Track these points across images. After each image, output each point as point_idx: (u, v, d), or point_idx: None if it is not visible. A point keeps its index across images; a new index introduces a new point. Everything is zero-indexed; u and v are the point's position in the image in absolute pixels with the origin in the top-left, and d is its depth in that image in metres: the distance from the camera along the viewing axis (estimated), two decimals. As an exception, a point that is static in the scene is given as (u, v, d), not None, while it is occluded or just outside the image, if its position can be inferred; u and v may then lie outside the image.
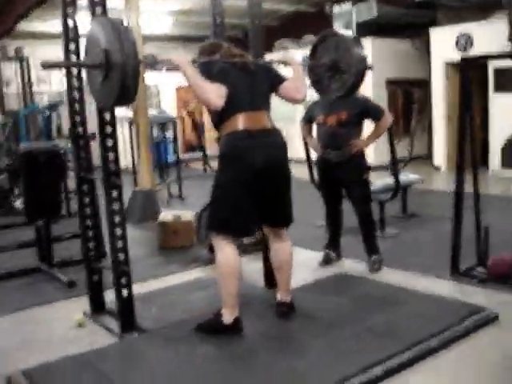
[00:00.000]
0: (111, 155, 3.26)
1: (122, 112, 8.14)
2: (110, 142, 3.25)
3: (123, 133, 8.25)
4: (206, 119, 12.71)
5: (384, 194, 5.81)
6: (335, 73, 3.70)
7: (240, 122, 3.10)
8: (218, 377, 2.78)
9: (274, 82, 3.30)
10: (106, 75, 2.78)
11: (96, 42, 2.83)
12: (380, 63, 10.69)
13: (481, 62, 3.98)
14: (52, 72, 13.72)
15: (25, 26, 10.86)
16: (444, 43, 9.64)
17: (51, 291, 4.44)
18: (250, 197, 3.14)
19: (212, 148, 11.26)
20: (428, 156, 11.09)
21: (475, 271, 4.18)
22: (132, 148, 8.32)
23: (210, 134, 11.98)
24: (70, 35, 3.47)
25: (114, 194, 3.29)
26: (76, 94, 3.54)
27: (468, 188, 4.30)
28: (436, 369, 2.86)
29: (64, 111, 13.11)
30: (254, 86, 3.19)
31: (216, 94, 3.00)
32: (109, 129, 3.24)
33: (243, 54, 3.33)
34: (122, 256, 3.35)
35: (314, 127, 4.73)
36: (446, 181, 9.51)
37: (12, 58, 9.82)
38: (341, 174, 4.45)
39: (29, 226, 5.53)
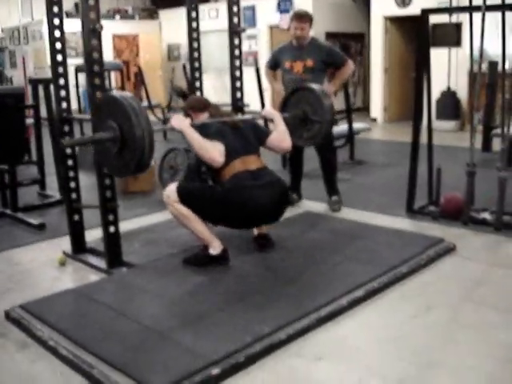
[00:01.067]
0: (99, 94, 3.31)
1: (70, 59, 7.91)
2: (97, 81, 3.30)
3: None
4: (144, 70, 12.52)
5: (337, 141, 6.10)
6: (306, 123, 3.97)
7: (238, 165, 3.37)
8: (217, 301, 2.97)
9: (261, 136, 3.61)
10: (120, 151, 2.90)
11: (109, 117, 2.93)
12: (319, 16, 10.84)
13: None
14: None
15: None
16: (384, -2, 9.94)
17: (22, 234, 4.47)
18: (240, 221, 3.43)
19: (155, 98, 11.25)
20: (364, 108, 11.51)
21: (428, 209, 4.54)
22: (78, 95, 8.20)
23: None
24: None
25: (103, 134, 3.36)
26: (57, 33, 3.53)
27: (407, 138, 4.64)
28: (407, 291, 3.18)
29: (6, 57, 12.64)
30: (244, 141, 3.48)
31: (218, 152, 3.29)
32: (96, 68, 3.28)
33: (229, 113, 3.74)
34: (109, 193, 3.45)
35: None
36: (383, 131, 9.98)
37: None
38: None
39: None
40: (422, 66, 4.56)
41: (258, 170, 3.43)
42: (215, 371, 2.32)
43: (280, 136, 3.64)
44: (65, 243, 3.98)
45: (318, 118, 3.91)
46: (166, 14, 13.95)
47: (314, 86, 4.02)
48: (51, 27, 3.51)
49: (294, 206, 4.92)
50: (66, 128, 3.69)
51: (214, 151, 3.28)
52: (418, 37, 4.69)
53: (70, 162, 3.73)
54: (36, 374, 2.49)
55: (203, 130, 3.35)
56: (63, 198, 3.84)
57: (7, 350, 2.71)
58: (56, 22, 3.52)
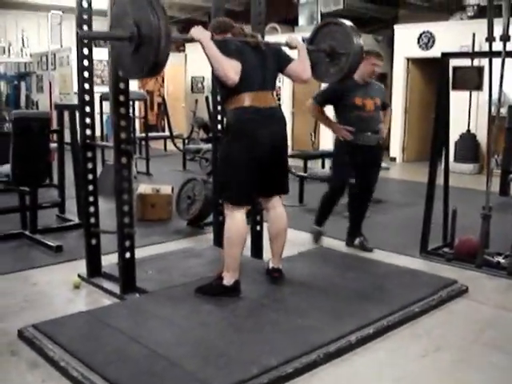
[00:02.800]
0: (123, 122, 3.42)
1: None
2: (122, 110, 3.41)
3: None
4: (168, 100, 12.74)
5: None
6: (333, 58, 3.90)
7: (248, 100, 3.34)
8: (228, 331, 3.00)
9: (283, 62, 3.54)
10: (137, 48, 2.90)
11: (126, 15, 2.94)
12: (343, 55, 11.03)
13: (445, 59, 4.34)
14: (12, 43, 13.52)
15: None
16: (407, 40, 10.10)
17: (39, 256, 4.55)
18: (256, 168, 3.37)
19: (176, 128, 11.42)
20: (384, 148, 11.55)
21: (442, 251, 4.55)
22: (102, 122, 8.37)
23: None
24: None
25: (124, 160, 3.45)
26: (86, 62, 3.66)
27: (425, 179, 4.67)
28: (418, 331, 3.19)
29: (34, 82, 12.95)
30: (264, 66, 3.43)
31: (233, 70, 3.22)
32: (122, 97, 3.40)
33: (254, 34, 3.57)
34: (127, 219, 3.52)
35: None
36: (401, 171, 10.00)
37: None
38: (370, 157, 4.58)
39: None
40: (441, 109, 4.61)
41: (266, 109, 3.38)
42: (221, 400, 2.34)
43: (301, 65, 3.54)
44: (81, 266, 4.04)
45: (344, 50, 3.83)
46: (191, 47, 14.22)
47: (342, 20, 3.94)
48: (80, 56, 3.63)
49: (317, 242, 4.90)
50: (89, 154, 3.78)
51: (229, 68, 3.17)
52: (437, 80, 4.75)
53: (90, 187, 3.82)
54: (45, 394, 2.53)
55: (223, 47, 3.24)
56: (82, 222, 3.90)
57: (18, 368, 2.76)
58: (85, 51, 3.64)
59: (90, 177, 3.82)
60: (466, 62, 8.30)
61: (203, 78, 13.93)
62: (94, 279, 3.88)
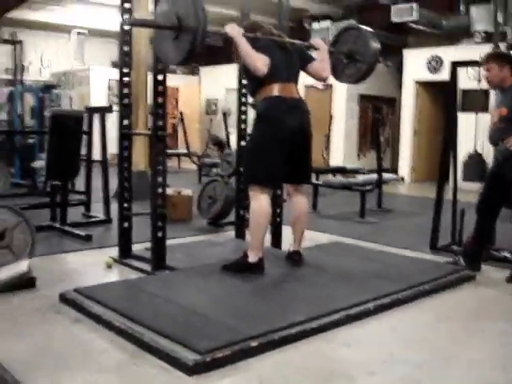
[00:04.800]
0: (160, 111, 3.75)
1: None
2: (160, 100, 3.74)
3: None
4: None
5: (366, 186, 6.46)
6: (351, 61, 4.26)
7: (276, 89, 3.67)
8: (255, 299, 3.28)
9: (305, 60, 3.90)
10: (177, 36, 3.23)
11: (169, 5, 3.29)
12: (354, 79, 11.43)
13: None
14: (32, 62, 14.01)
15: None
16: (415, 64, 10.51)
17: (70, 243, 4.85)
18: (283, 152, 3.67)
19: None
20: (392, 169, 11.86)
21: (450, 248, 4.80)
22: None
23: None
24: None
25: (160, 146, 3.76)
26: (125, 69, 4.02)
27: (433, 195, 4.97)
28: (429, 304, 3.46)
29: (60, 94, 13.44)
30: (289, 62, 3.78)
31: (263, 62, 3.56)
32: (160, 87, 3.73)
33: (281, 34, 3.91)
34: (160, 201, 3.81)
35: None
36: (410, 189, 10.29)
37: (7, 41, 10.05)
38: (503, 172, 4.13)
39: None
40: (449, 129, 4.90)
41: (292, 99, 3.70)
42: (253, 344, 2.59)
43: (322, 65, 3.89)
44: (110, 252, 4.32)
45: (361, 58, 4.17)
46: (205, 70, 14.72)
47: (362, 26, 4.25)
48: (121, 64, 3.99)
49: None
50: (125, 143, 4.10)
51: (259, 60, 3.51)
52: (447, 92, 5.04)
53: (125, 174, 4.13)
54: (91, 341, 2.79)
55: (254, 43, 3.56)
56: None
57: (63, 323, 3.02)
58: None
59: (126, 164, 4.13)
60: (472, 85, 8.73)
61: (217, 100, 14.38)
62: (125, 260, 4.14)
